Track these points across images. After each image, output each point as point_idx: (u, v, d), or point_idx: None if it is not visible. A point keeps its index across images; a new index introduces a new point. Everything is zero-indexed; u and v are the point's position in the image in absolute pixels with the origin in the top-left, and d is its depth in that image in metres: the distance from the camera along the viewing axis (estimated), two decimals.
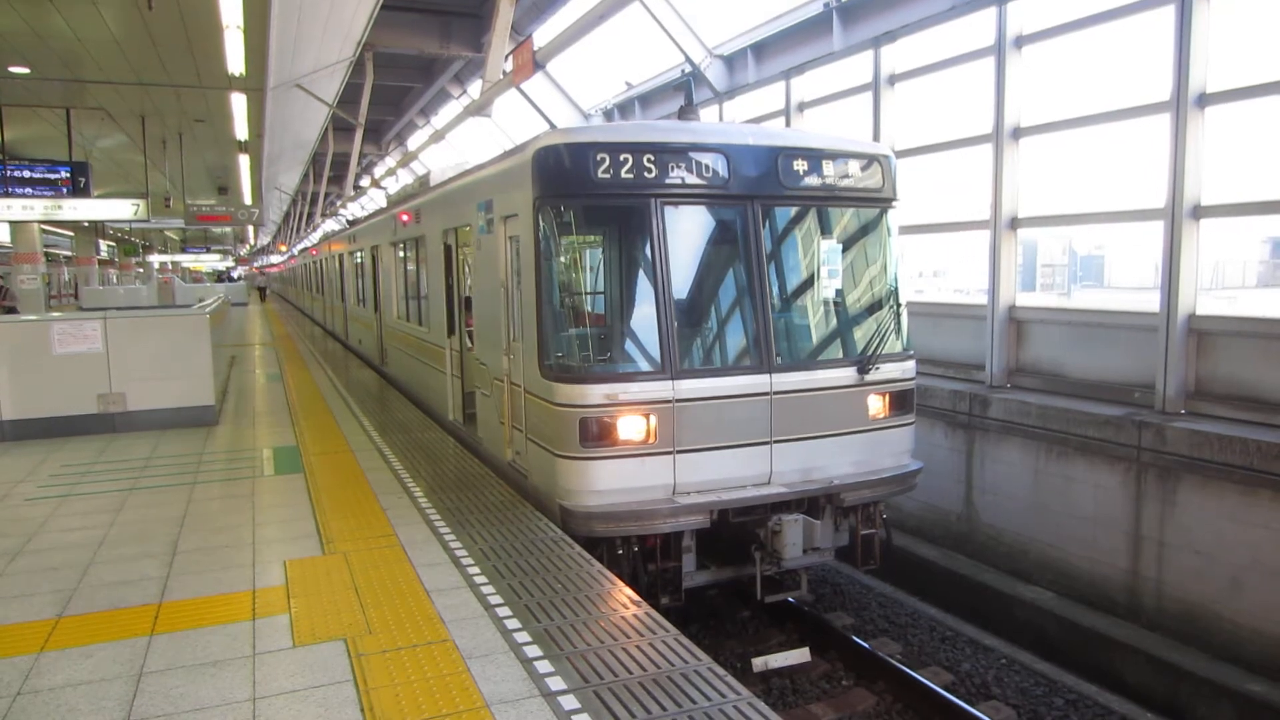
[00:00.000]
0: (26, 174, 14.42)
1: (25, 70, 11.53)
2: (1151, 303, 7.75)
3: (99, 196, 16.32)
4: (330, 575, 5.13)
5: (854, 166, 6.90)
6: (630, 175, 6.11)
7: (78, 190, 14.60)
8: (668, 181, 6.20)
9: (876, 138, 10.71)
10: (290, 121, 16.80)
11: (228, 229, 39.11)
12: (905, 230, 9.36)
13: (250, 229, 45.07)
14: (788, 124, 12.47)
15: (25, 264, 19.68)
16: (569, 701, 3.62)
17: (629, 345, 6.47)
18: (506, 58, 11.35)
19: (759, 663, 6.52)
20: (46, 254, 25.95)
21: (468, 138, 23.55)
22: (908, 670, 6.45)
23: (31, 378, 9.33)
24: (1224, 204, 7.30)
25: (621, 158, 6.08)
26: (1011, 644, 7.28)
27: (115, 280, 39.19)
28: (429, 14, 17.30)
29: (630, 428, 6.01)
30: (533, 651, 4.08)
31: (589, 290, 6.86)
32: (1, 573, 5.30)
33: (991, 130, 9.15)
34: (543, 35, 14.99)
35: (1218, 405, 7.25)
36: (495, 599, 4.72)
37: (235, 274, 70.95)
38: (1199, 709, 6.46)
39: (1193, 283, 7.42)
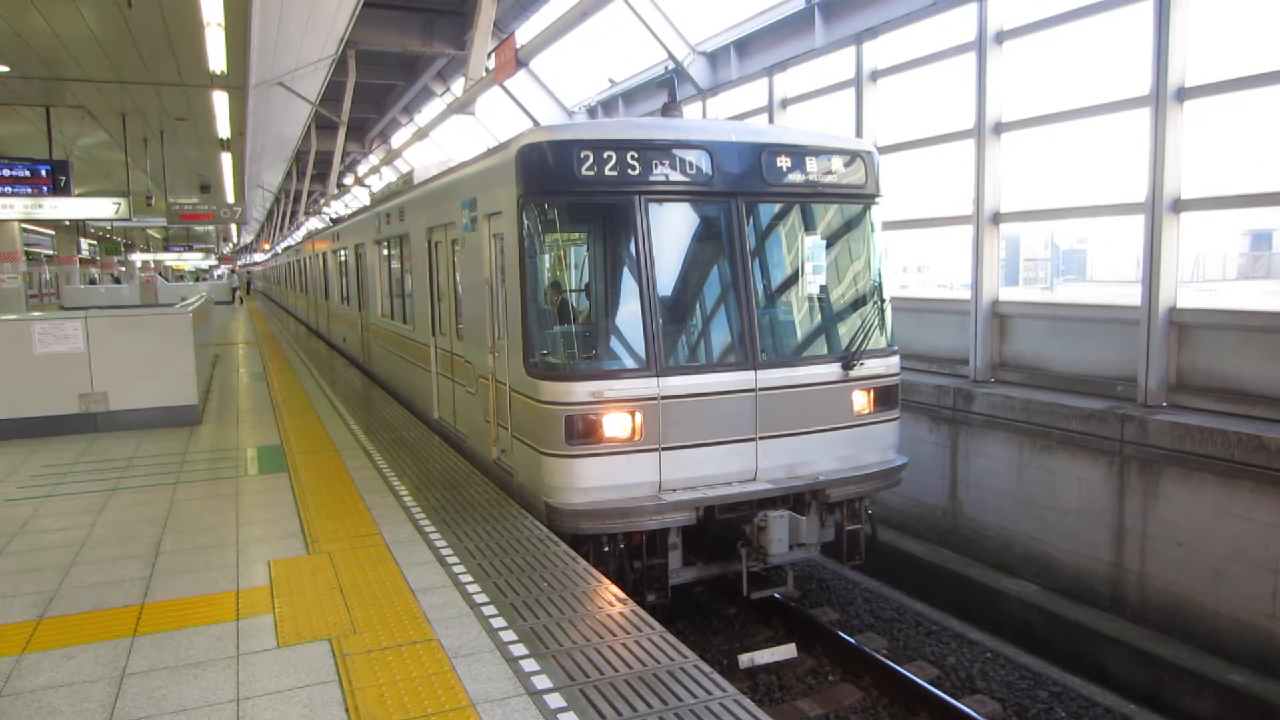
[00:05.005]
0: (6, 172, 14.23)
1: (4, 69, 11.42)
2: (1133, 296, 7.81)
3: (80, 195, 16.17)
4: (315, 575, 5.11)
5: (837, 163, 6.92)
6: (614, 172, 6.10)
7: (58, 189, 14.44)
8: (652, 179, 6.20)
9: (859, 134, 10.74)
10: (272, 119, 16.70)
11: (210, 227, 38.83)
12: (888, 226, 9.39)
13: (233, 227, 44.85)
14: (771, 121, 12.48)
15: (5, 263, 19.54)
16: (555, 700, 3.62)
17: (614, 342, 6.46)
18: (489, 55, 11.32)
19: (745, 659, 6.54)
20: (27, 253, 25.73)
21: (451, 135, 23.48)
22: (894, 665, 6.48)
23: (12, 377, 9.24)
24: (1204, 197, 7.36)
25: (605, 155, 6.08)
26: (997, 637, 7.32)
27: (96, 279, 38.90)
28: (411, 11, 17.23)
29: (615, 425, 6.01)
30: (518, 650, 4.07)
31: (573, 288, 6.85)
32: None
33: (973, 126, 9.20)
34: (525, 32, 14.92)
35: (1199, 398, 7.31)
36: (481, 597, 4.71)
37: (218, 272, 70.43)
38: (1181, 700, 6.52)
39: (1173, 276, 7.48)
